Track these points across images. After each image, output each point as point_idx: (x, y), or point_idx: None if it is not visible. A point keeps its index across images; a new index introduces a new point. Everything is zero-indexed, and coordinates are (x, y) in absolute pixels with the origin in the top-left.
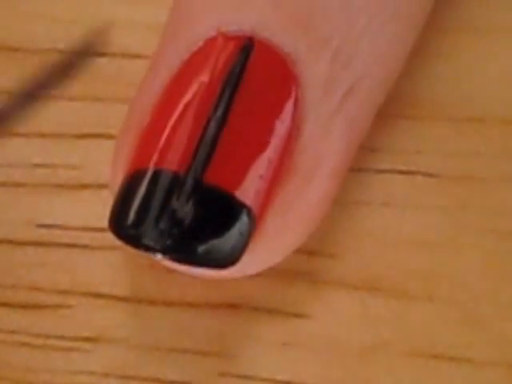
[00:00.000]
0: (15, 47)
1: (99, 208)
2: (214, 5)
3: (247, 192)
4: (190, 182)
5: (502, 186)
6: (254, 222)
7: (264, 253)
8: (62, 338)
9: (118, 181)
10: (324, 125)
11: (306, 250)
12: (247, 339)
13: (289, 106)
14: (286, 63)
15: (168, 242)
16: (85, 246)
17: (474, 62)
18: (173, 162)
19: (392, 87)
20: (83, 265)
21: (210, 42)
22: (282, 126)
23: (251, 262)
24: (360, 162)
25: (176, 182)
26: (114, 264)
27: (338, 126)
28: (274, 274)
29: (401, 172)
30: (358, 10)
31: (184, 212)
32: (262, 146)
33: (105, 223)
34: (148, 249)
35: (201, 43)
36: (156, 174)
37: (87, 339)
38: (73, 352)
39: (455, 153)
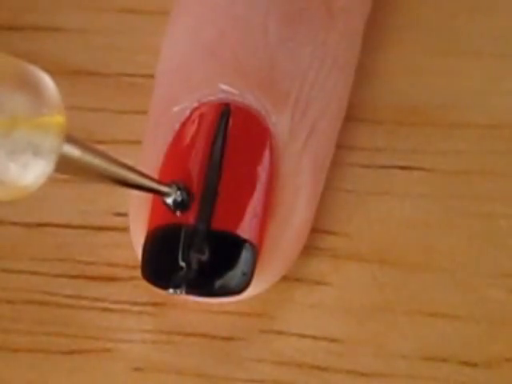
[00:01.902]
0: (93, 71)
1: None
2: (192, 82)
3: (247, 230)
4: (201, 231)
5: (481, 176)
6: (257, 253)
7: (260, 278)
8: (134, 303)
9: (141, 238)
10: (295, 163)
11: (327, 231)
12: (282, 302)
13: (266, 154)
14: (259, 119)
15: (190, 283)
16: None
17: (456, 80)
18: (184, 217)
19: (390, 103)
20: None
21: (195, 111)
22: (263, 170)
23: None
24: (367, 160)
25: (189, 232)
26: None
27: (306, 161)
28: (303, 250)
29: (400, 167)
30: (306, 68)
31: (200, 256)
32: (252, 189)
33: None
34: (174, 289)
35: (188, 114)
36: (172, 229)
37: (155, 304)
38: (143, 315)
39: (443, 151)
